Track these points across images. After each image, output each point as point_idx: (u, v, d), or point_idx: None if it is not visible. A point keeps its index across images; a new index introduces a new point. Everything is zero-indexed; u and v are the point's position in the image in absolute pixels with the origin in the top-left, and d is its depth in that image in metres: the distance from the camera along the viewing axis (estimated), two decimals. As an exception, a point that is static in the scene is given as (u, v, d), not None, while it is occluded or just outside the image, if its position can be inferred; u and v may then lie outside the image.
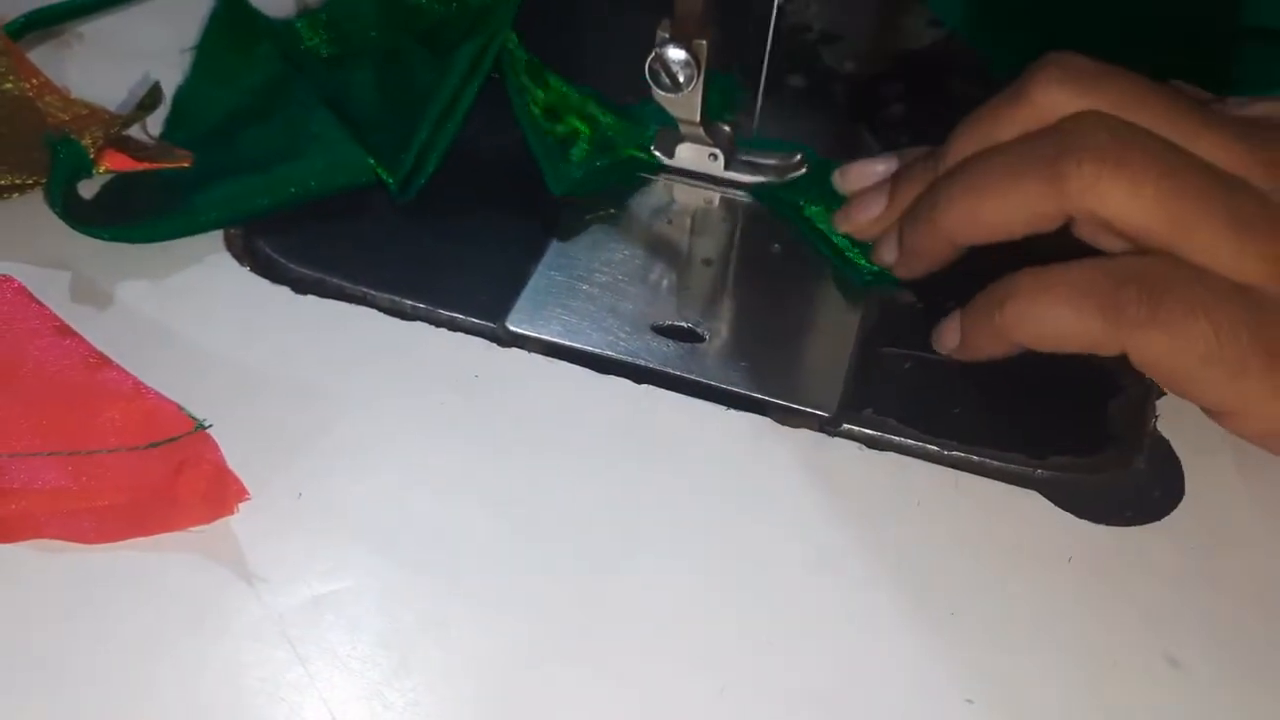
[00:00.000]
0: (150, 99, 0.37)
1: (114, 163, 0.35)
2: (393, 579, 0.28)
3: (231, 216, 0.36)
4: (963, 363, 0.33)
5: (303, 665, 0.27)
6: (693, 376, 0.33)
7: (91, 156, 0.34)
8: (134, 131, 0.37)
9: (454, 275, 0.36)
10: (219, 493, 0.27)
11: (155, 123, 0.38)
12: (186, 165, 0.35)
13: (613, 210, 0.38)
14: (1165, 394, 0.33)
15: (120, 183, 0.37)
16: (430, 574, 0.28)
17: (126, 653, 0.27)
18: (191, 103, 0.40)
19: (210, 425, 0.28)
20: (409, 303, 0.35)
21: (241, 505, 0.28)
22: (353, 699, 0.26)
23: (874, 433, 0.32)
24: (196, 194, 0.36)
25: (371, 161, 0.37)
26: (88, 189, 0.37)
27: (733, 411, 0.32)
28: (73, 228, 0.35)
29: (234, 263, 0.36)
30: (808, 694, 0.27)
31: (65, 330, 0.30)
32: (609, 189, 0.39)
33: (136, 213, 0.36)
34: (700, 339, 0.34)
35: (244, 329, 0.34)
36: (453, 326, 0.34)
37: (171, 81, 0.40)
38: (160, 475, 0.27)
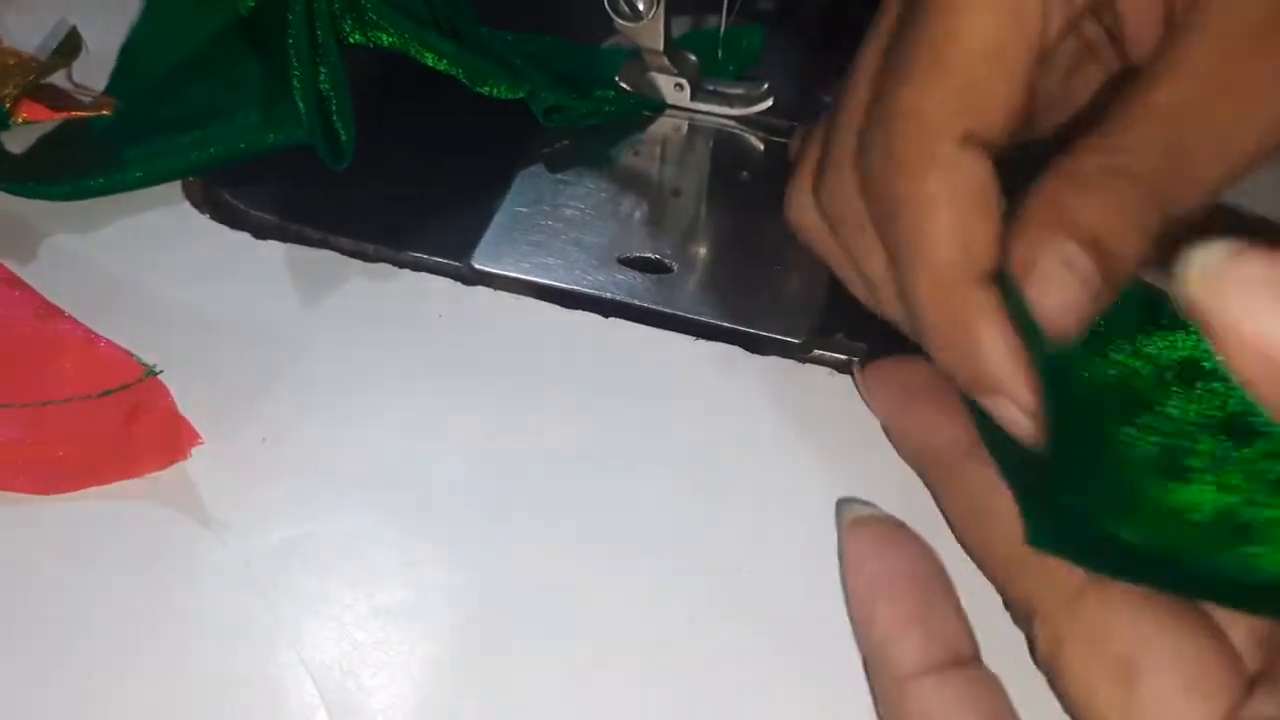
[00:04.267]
0: (69, 45, 0.36)
1: (31, 113, 0.33)
2: (360, 521, 0.28)
3: (159, 174, 0.34)
4: None
5: (271, 610, 0.26)
6: (660, 308, 0.32)
7: (7, 108, 0.33)
8: (58, 80, 0.36)
9: (417, 215, 0.35)
10: (172, 438, 0.27)
11: (104, 72, 0.37)
12: (107, 113, 0.34)
13: (578, 142, 0.37)
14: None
15: (56, 136, 0.35)
16: (398, 515, 0.28)
17: (91, 602, 0.26)
18: (141, 51, 0.38)
19: (161, 371, 0.27)
20: (371, 245, 0.34)
21: (206, 452, 0.28)
22: (321, 641, 0.26)
23: (844, 357, 0.31)
24: (128, 150, 0.34)
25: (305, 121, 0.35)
26: (19, 142, 0.35)
27: (701, 341, 0.32)
28: None
29: (193, 210, 0.35)
30: (777, 620, 0.26)
31: (14, 281, 0.29)
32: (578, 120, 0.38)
33: (69, 168, 0.34)
34: (668, 270, 0.34)
35: (205, 276, 0.33)
36: (416, 267, 0.34)
37: (124, 31, 0.39)
38: (114, 423, 0.27)
